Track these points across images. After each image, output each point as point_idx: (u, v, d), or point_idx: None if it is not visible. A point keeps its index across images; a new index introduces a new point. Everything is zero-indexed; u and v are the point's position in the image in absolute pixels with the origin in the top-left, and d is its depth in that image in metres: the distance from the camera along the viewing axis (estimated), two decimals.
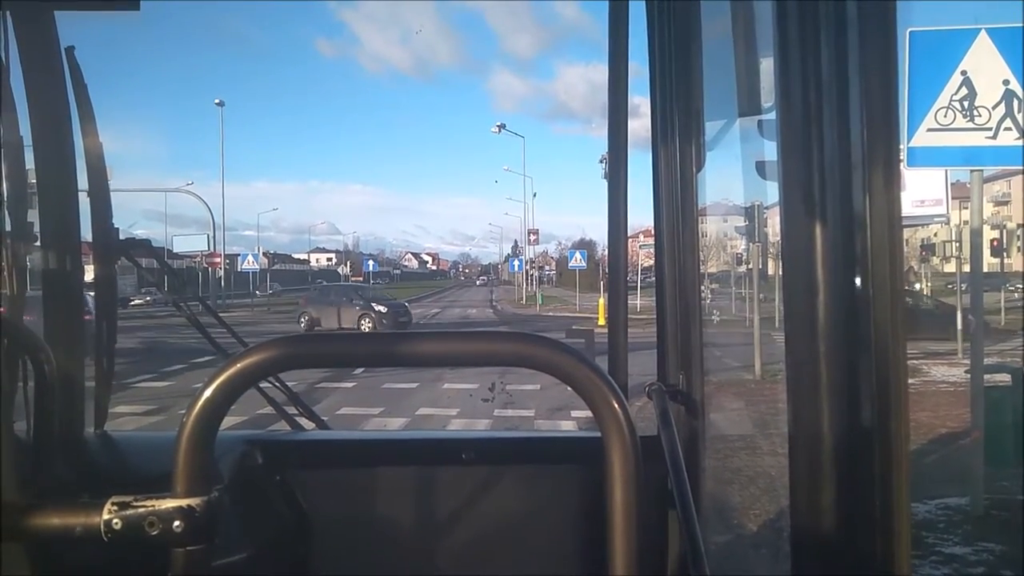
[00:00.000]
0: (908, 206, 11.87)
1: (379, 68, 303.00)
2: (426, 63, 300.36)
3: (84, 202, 1.88)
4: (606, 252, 2.89)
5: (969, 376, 6.63)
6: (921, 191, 12.38)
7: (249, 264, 45.34)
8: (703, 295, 2.21)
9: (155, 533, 0.79)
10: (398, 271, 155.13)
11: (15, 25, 1.74)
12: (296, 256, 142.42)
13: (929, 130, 5.97)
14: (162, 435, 2.09)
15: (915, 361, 14.37)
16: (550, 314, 35.45)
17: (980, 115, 5.92)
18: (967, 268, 11.06)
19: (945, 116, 5.96)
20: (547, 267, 74.42)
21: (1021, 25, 5.84)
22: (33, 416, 1.56)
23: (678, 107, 1.90)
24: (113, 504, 0.81)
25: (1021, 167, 6.18)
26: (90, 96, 1.82)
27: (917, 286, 30.69)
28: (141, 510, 0.79)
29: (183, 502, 0.78)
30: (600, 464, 0.80)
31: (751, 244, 14.42)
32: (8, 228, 1.64)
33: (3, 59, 1.63)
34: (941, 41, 6.00)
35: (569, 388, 0.81)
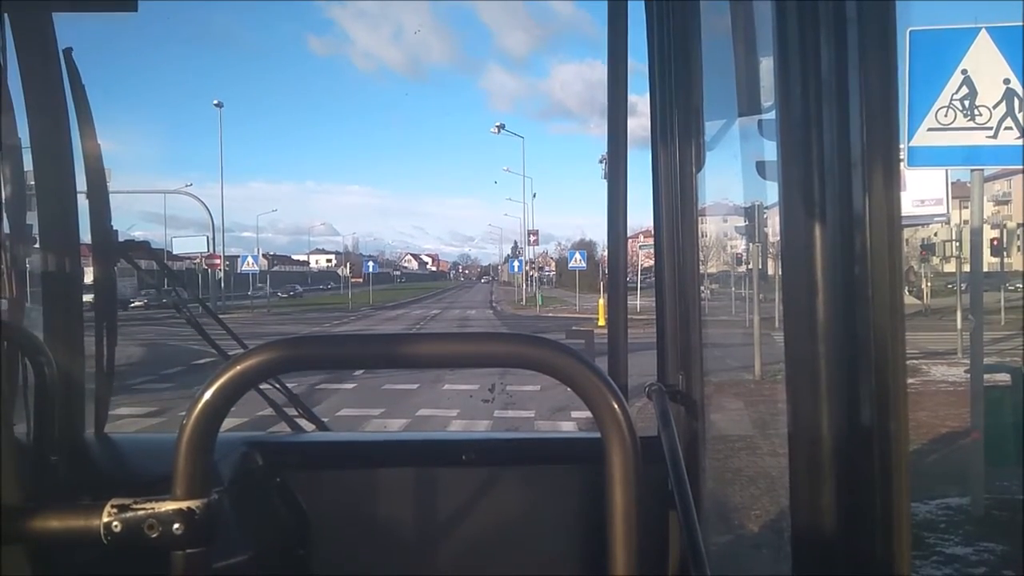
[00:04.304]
0: (908, 206, 11.87)
1: (371, 66, 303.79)
2: (419, 61, 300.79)
3: (83, 204, 1.88)
4: (606, 252, 2.89)
5: (969, 376, 6.63)
6: (921, 191, 12.37)
7: (249, 266, 45.36)
8: (703, 295, 2.21)
9: (155, 536, 0.78)
10: (398, 272, 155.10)
11: (13, 27, 1.74)
12: (295, 257, 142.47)
13: (930, 129, 5.97)
14: (162, 437, 2.09)
15: (915, 361, 14.37)
16: (550, 315, 35.44)
17: (981, 114, 5.92)
18: (967, 268, 11.05)
19: (946, 115, 5.96)
20: (547, 268, 74.40)
21: (1021, 24, 5.84)
22: (33, 418, 1.57)
23: (678, 107, 1.90)
24: (113, 506, 0.80)
25: (1022, 166, 6.19)
26: (88, 98, 1.82)
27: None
28: (141, 513, 0.79)
29: (183, 504, 0.78)
30: (600, 465, 0.80)
31: (751, 244, 14.39)
32: (7, 230, 1.64)
33: (1, 61, 1.63)
34: (941, 40, 6.00)
35: (569, 389, 0.81)
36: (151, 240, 2.39)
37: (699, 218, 1.95)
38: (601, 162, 33.56)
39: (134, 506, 0.80)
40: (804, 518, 0.88)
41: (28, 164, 1.80)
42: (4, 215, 1.62)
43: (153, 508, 0.79)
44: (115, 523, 0.80)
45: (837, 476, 0.85)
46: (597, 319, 25.77)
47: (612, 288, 2.04)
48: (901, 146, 5.76)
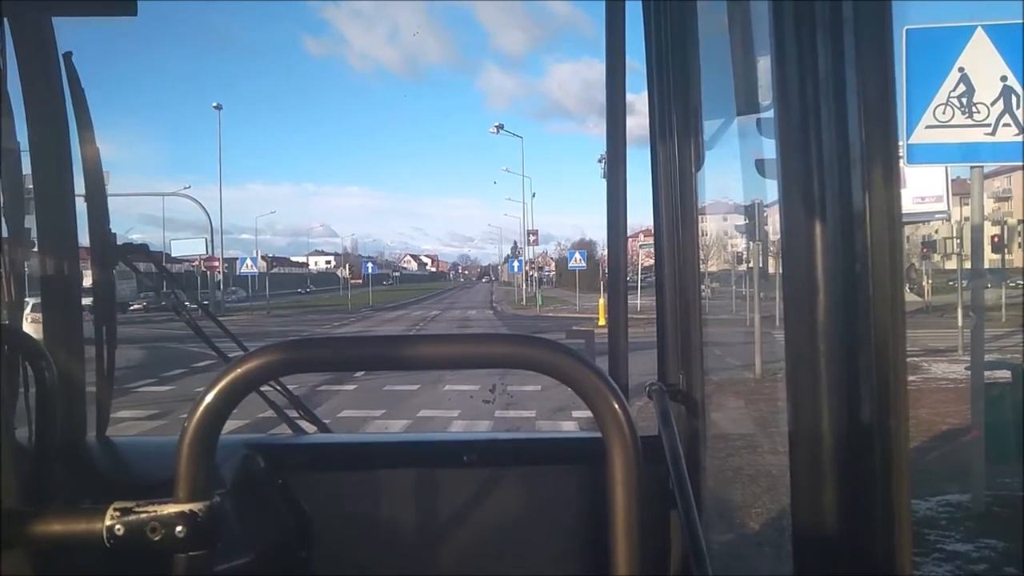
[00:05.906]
0: (909, 203, 11.87)
1: (368, 67, 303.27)
2: (416, 62, 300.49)
3: (81, 207, 1.88)
4: (606, 252, 2.89)
5: (969, 373, 6.63)
6: (922, 188, 12.38)
7: (248, 268, 45.31)
8: (703, 294, 2.20)
9: (157, 539, 0.78)
10: (397, 273, 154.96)
11: (13, 31, 1.74)
12: (294, 259, 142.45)
13: (928, 127, 5.98)
14: (164, 440, 2.09)
15: (915, 358, 14.37)
16: (550, 315, 35.44)
17: (979, 111, 5.93)
18: (968, 264, 11.05)
19: (944, 113, 5.97)
20: (547, 268, 74.37)
21: (1018, 22, 5.85)
22: (34, 422, 1.57)
23: (676, 106, 1.90)
24: (115, 510, 0.81)
25: (1021, 163, 6.20)
26: (87, 101, 1.82)
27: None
28: (143, 516, 0.79)
29: (185, 507, 0.78)
30: (601, 465, 0.80)
31: (751, 243, 14.38)
32: (6, 234, 1.64)
33: (1, 65, 1.63)
34: (938, 38, 6.02)
35: (570, 389, 0.81)
36: (150, 243, 2.39)
37: (699, 217, 1.95)
38: (600, 161, 33.57)
39: (136, 509, 0.80)
40: (805, 516, 0.88)
41: (27, 167, 1.80)
42: (3, 218, 1.62)
43: (155, 511, 0.79)
44: (117, 526, 0.80)
45: (838, 474, 0.85)
46: (597, 319, 25.76)
47: (612, 288, 2.04)
48: (900, 143, 5.78)
